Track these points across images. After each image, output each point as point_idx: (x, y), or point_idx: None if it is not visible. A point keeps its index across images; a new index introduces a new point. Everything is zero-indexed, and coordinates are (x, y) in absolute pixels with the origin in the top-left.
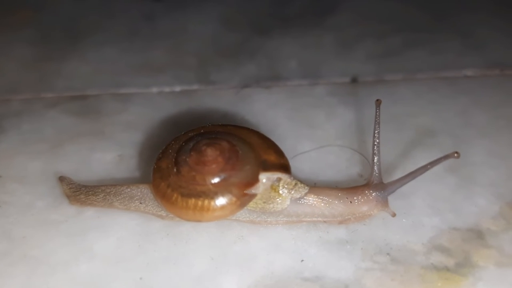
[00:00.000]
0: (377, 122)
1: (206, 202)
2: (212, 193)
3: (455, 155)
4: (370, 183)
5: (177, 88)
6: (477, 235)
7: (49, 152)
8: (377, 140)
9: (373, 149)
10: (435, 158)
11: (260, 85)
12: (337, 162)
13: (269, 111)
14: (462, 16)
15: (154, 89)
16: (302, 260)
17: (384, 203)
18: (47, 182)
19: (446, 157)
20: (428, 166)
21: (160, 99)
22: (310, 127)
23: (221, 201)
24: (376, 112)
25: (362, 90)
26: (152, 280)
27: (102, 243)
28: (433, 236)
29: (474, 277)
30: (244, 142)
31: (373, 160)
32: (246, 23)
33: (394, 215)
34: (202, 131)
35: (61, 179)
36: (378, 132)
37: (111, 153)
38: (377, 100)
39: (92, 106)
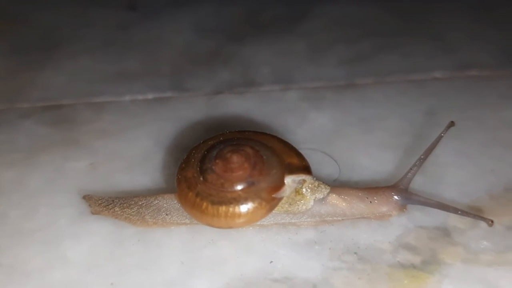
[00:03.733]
0: (436, 141)
1: (237, 208)
2: (242, 199)
3: (490, 222)
4: (395, 186)
5: (150, 96)
6: (444, 233)
7: (23, 162)
8: (424, 156)
9: (417, 161)
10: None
11: (233, 92)
12: None
13: (242, 117)
14: (432, 19)
15: (128, 97)
16: (271, 262)
17: (404, 207)
18: (21, 192)
19: (482, 218)
20: (459, 212)
21: (133, 107)
22: (283, 131)
23: (252, 206)
24: (443, 133)
25: (333, 94)
26: (123, 286)
27: (76, 250)
28: (400, 234)
29: (440, 274)
30: (266, 147)
31: (410, 168)
32: (220, 30)
33: (406, 210)
34: (221, 138)
35: (87, 198)
36: (431, 150)
37: (84, 161)
38: (452, 122)
39: (66, 116)
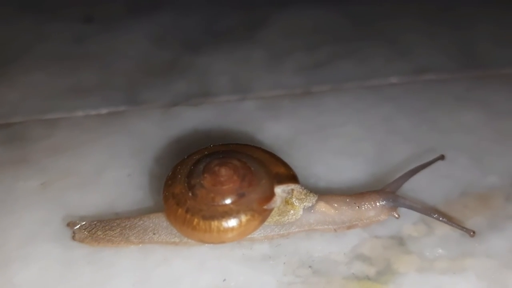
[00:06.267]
0: (428, 164)
1: (230, 221)
2: (234, 212)
3: (471, 233)
4: (382, 190)
5: (104, 110)
6: (398, 241)
7: None
8: (415, 172)
9: (407, 173)
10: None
11: (189, 103)
12: None
13: (198, 129)
14: (388, 23)
15: (81, 113)
16: (225, 280)
17: (391, 209)
18: None
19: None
20: (441, 219)
21: (86, 122)
22: (240, 142)
23: (244, 218)
24: (433, 160)
25: (290, 102)
26: None
27: (24, 273)
28: (355, 245)
29: (394, 284)
30: (252, 159)
31: (400, 176)
32: (176, 41)
33: (398, 216)
34: (206, 152)
35: (72, 224)
36: (422, 168)
37: (34, 180)
38: (442, 155)
39: (17, 134)
